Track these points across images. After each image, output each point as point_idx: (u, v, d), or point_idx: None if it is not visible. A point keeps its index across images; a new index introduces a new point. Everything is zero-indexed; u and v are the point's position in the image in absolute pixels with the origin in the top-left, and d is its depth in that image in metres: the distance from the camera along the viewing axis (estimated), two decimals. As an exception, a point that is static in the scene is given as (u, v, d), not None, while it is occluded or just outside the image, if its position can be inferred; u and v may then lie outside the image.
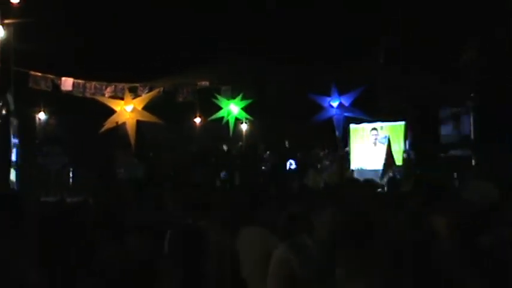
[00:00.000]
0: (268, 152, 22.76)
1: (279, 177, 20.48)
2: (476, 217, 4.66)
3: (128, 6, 22.39)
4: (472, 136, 21.28)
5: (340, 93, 22.83)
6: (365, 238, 3.64)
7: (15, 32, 20.24)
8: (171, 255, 4.76)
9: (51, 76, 21.39)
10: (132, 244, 4.97)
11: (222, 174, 21.88)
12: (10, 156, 18.88)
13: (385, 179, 17.30)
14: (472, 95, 21.14)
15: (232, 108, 23.57)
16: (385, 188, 13.48)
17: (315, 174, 19.63)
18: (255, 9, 22.66)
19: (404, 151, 20.84)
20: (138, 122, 22.29)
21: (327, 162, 21.67)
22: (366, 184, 8.76)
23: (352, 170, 21.30)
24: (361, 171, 20.59)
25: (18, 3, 19.89)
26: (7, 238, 3.60)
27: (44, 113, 25.93)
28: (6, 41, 20.02)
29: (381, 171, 19.15)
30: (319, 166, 21.45)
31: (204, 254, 4.26)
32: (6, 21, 19.88)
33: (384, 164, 19.28)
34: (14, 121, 19.55)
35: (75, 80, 21.70)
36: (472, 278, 3.64)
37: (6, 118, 19.26)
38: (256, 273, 5.04)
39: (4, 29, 19.83)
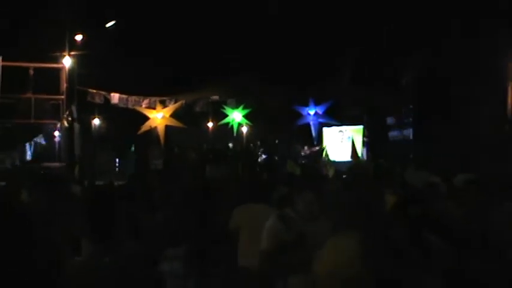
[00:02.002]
0: (262, 149, 22.89)
1: (270, 167, 20.36)
2: (414, 194, 4.66)
3: (156, 41, 22.64)
4: (412, 136, 21.30)
5: (316, 104, 23.01)
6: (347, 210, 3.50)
7: (78, 61, 20.48)
8: None
9: (103, 92, 21.36)
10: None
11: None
12: (75, 151, 19.11)
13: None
14: (411, 106, 21.54)
15: (236, 116, 23.46)
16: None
17: (292, 164, 19.48)
18: (253, 40, 22.77)
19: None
20: (166, 126, 22.20)
21: (304, 155, 21.91)
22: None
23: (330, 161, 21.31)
24: (331, 162, 21.10)
25: (80, 40, 20.54)
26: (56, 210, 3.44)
27: (98, 119, 26.18)
28: (72, 67, 20.29)
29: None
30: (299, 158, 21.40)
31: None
32: (72, 53, 20.19)
33: (351, 157, 19.59)
34: (76, 126, 19.73)
35: (121, 95, 21.68)
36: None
37: (71, 124, 19.46)
38: (256, 236, 4.90)
39: (71, 59, 20.14)
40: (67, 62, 20.21)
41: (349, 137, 21.66)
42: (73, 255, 2.86)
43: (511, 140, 16.63)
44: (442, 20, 18.03)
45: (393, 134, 22.39)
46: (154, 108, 22.21)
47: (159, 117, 22.10)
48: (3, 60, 19.38)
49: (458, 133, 17.38)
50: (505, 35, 16.33)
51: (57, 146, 20.36)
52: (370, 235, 3.25)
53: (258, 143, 23.61)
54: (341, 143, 22.63)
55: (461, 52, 17.06)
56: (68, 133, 19.45)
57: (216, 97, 23.01)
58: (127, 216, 3.40)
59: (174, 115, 22.30)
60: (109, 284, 2.65)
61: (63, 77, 20.31)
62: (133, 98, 22.05)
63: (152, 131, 22.28)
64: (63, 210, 3.54)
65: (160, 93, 22.50)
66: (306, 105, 23.12)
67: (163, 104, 22.35)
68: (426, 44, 19.13)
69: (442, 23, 18.02)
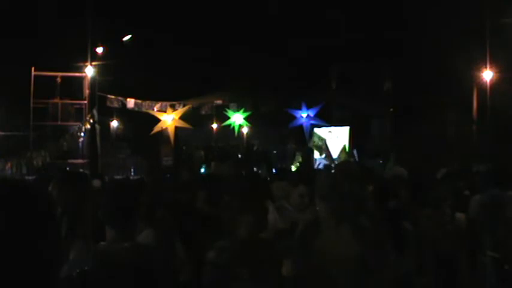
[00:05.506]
0: (259, 147, 22.87)
1: (267, 163, 20.54)
2: (390, 185, 4.92)
3: (167, 53, 22.92)
4: (392, 136, 21.48)
5: (308, 107, 22.85)
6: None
7: (99, 70, 20.58)
8: None
9: (120, 98, 21.31)
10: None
11: None
12: (97, 150, 18.76)
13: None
14: (391, 109, 21.87)
15: (237, 118, 23.37)
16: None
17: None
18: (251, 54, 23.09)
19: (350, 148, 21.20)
20: (176, 127, 21.76)
21: (298, 154, 21.53)
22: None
23: (315, 159, 21.32)
24: (321, 159, 21.13)
25: (101, 52, 20.69)
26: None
27: (116, 121, 26.30)
28: (93, 76, 20.35)
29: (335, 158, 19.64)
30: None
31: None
32: (93, 63, 20.22)
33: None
34: (97, 127, 19.35)
35: (136, 100, 21.58)
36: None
37: (93, 125, 19.24)
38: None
39: (92, 69, 20.17)
40: (89, 71, 20.25)
41: (337, 137, 21.54)
42: (98, 240, 2.86)
43: (477, 139, 16.80)
44: (418, 37, 18.24)
45: (376, 133, 22.51)
46: (165, 112, 22.08)
47: (169, 119, 21.89)
48: (35, 70, 19.58)
49: (431, 133, 17.55)
50: (473, 49, 16.54)
51: (80, 145, 20.30)
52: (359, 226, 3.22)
53: (257, 142, 23.61)
54: (330, 142, 22.46)
55: (433, 62, 17.26)
56: (90, 133, 19.35)
57: (219, 101, 22.91)
58: (143, 207, 3.36)
59: (182, 117, 22.07)
60: (128, 266, 2.66)
61: (86, 84, 20.36)
62: (147, 102, 21.97)
63: (163, 131, 22.05)
64: (84, 202, 3.46)
65: (170, 98, 22.49)
66: (299, 108, 23.00)
67: (173, 108, 22.18)
68: (403, 56, 19.31)
69: (418, 40, 18.24)
